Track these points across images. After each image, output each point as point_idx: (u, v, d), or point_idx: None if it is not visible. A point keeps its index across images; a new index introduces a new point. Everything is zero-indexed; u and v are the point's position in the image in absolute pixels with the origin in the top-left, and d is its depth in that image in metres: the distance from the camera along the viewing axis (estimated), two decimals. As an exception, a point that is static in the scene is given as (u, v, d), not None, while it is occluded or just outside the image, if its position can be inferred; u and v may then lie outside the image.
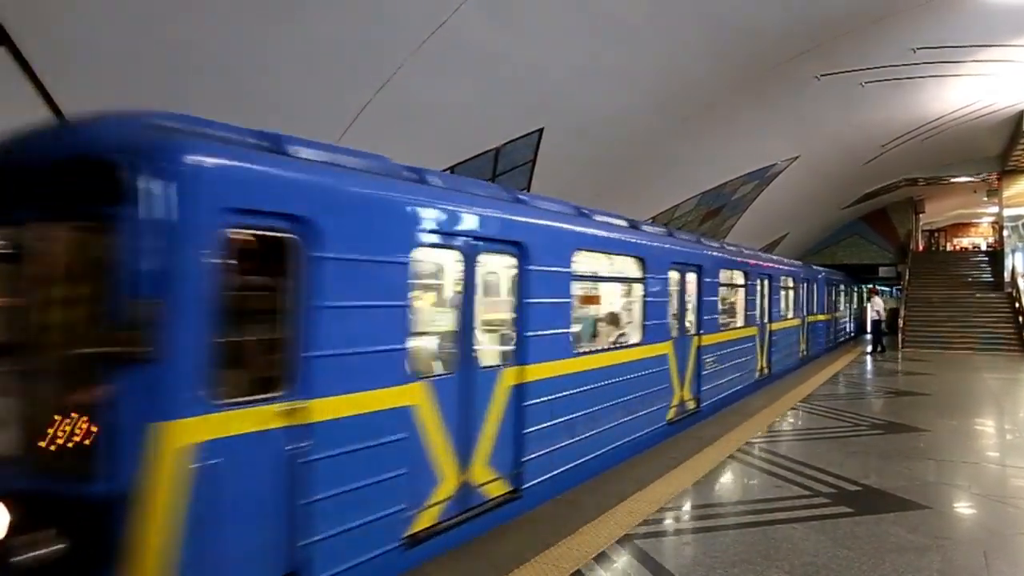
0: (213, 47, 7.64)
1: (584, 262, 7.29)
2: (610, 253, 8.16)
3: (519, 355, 5.96)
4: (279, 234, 3.88)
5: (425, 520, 4.91)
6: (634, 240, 8.51)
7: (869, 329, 24.24)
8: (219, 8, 7.32)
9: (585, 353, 7.18)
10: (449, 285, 5.78)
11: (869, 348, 23.43)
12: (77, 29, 6.67)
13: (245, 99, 8.18)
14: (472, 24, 9.38)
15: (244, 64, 8.07)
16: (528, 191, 13.09)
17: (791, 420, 10.99)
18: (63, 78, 6.79)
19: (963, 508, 6.90)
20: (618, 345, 8.43)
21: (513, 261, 6.00)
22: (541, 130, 12.60)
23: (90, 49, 6.86)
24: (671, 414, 9.37)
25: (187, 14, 7.16)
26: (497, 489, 5.72)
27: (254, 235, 3.87)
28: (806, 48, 14.66)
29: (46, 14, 6.41)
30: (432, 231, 4.99)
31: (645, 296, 8.59)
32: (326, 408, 4.03)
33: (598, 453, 7.26)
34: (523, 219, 6.15)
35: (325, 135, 9.37)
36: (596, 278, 8.26)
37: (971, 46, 16.06)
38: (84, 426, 3.33)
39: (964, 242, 45.61)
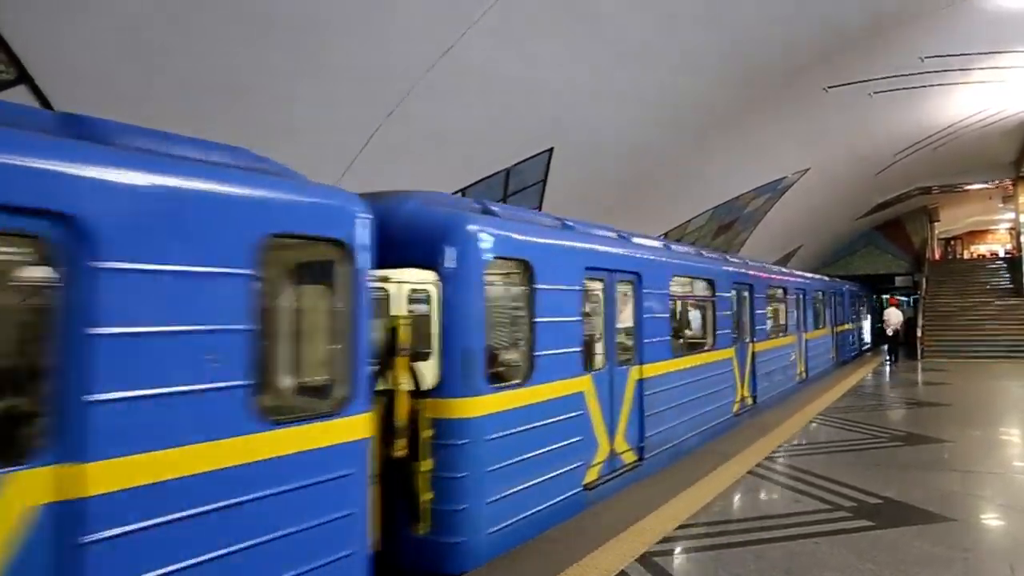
0: (226, 78, 7.79)
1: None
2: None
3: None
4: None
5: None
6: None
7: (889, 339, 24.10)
8: (232, 40, 7.47)
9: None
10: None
11: (887, 358, 23.39)
12: (94, 63, 6.82)
13: (257, 127, 8.31)
14: (479, 47, 9.50)
15: (256, 94, 8.22)
16: (540, 210, 13.16)
17: (810, 433, 10.90)
18: (81, 111, 6.93)
19: (988, 520, 6.81)
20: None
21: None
22: (551, 150, 12.68)
23: (107, 83, 7.01)
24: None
25: (201, 47, 7.32)
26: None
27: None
28: (814, 60, 14.70)
29: (64, 51, 6.57)
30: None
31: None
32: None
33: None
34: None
35: (336, 161, 9.52)
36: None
37: (979, 53, 16.04)
38: None
39: (981, 249, 45.09)
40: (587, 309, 7.36)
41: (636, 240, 8.91)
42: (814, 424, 11.58)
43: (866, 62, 15.62)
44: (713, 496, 7.23)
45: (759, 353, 12.95)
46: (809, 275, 20.10)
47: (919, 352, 23.92)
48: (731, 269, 12.04)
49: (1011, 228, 35.04)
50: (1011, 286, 28.24)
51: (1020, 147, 25.91)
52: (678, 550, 5.74)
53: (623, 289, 8.23)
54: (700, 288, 10.89)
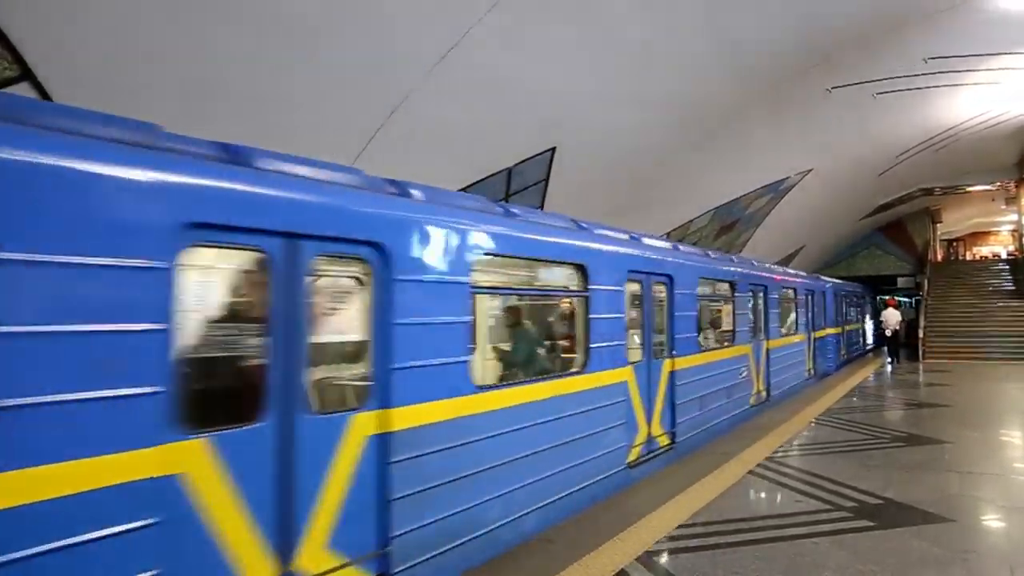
0: (231, 79, 7.81)
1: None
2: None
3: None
4: None
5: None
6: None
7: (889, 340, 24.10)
8: (234, 39, 7.48)
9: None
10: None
11: (888, 359, 23.43)
12: (96, 61, 6.84)
13: (259, 127, 8.33)
14: (483, 46, 9.51)
15: (258, 93, 8.23)
16: (542, 209, 13.17)
17: (811, 434, 10.89)
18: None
19: (988, 521, 6.80)
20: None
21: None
22: (553, 149, 12.69)
23: (110, 83, 7.02)
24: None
25: (203, 46, 7.33)
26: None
27: None
28: (817, 61, 14.70)
29: (68, 51, 6.59)
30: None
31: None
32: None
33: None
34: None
35: (338, 158, 9.53)
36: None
37: (982, 55, 16.03)
38: None
39: (984, 251, 45.10)
40: (221, 312, 4.46)
41: (411, 191, 5.30)
42: (815, 424, 11.58)
43: (869, 63, 15.61)
44: (714, 496, 7.23)
45: (681, 372, 9.14)
46: (777, 268, 16.29)
47: (920, 353, 23.93)
48: (620, 250, 7.92)
49: (1014, 230, 35.08)
50: (1013, 288, 28.23)
51: (1023, 149, 25.89)
52: (679, 549, 5.74)
53: (336, 273, 4.76)
54: (554, 278, 7.41)
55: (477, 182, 11.96)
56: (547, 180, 13.34)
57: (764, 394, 13.03)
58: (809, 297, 17.54)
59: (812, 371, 17.56)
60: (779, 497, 7.34)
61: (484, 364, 7.39)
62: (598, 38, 10.85)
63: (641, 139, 14.42)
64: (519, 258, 6.42)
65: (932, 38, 14.93)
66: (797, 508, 6.83)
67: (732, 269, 12.01)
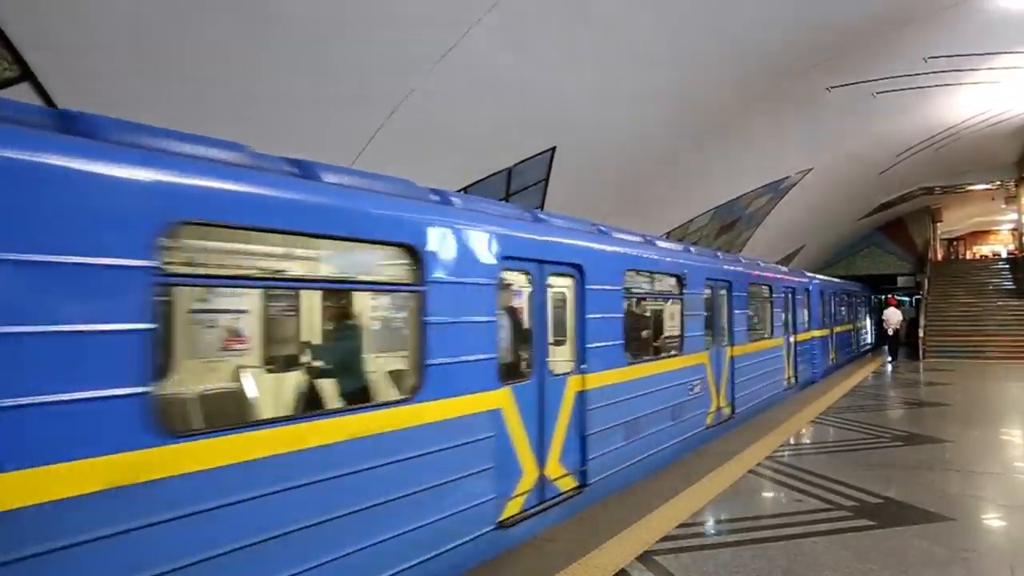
0: (232, 79, 7.81)
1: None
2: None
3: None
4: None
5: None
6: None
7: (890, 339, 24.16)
8: (235, 40, 7.49)
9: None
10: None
11: (888, 358, 23.49)
12: (98, 65, 6.84)
13: (260, 127, 8.33)
14: (483, 45, 9.51)
15: (259, 94, 8.23)
16: (542, 209, 13.18)
17: (811, 433, 10.90)
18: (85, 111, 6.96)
19: (989, 520, 6.80)
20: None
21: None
22: (553, 149, 12.69)
23: (110, 83, 7.03)
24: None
25: (204, 50, 7.33)
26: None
27: None
28: (817, 61, 14.71)
29: (68, 52, 6.59)
30: None
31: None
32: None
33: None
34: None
35: (339, 159, 9.54)
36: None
37: (982, 54, 16.04)
38: None
39: (984, 250, 45.08)
40: None
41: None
42: (815, 424, 11.58)
43: (869, 63, 15.62)
44: (714, 495, 7.23)
45: (596, 393, 6.96)
46: (749, 262, 13.98)
47: (920, 352, 23.96)
48: (487, 229, 5.56)
49: (1014, 229, 35.09)
50: (1013, 287, 28.24)
51: (1023, 148, 25.90)
52: (678, 548, 5.74)
53: None
54: (363, 264, 5.17)
55: (477, 182, 11.97)
56: (547, 180, 13.34)
57: (727, 411, 11.06)
58: (789, 295, 15.42)
59: (793, 379, 15.57)
60: (779, 496, 7.34)
61: (207, 398, 5.15)
62: (598, 38, 10.85)
63: (641, 139, 14.42)
64: (274, 232, 4.00)
65: (932, 38, 14.94)
66: (797, 508, 6.83)
67: (678, 260, 9.57)
